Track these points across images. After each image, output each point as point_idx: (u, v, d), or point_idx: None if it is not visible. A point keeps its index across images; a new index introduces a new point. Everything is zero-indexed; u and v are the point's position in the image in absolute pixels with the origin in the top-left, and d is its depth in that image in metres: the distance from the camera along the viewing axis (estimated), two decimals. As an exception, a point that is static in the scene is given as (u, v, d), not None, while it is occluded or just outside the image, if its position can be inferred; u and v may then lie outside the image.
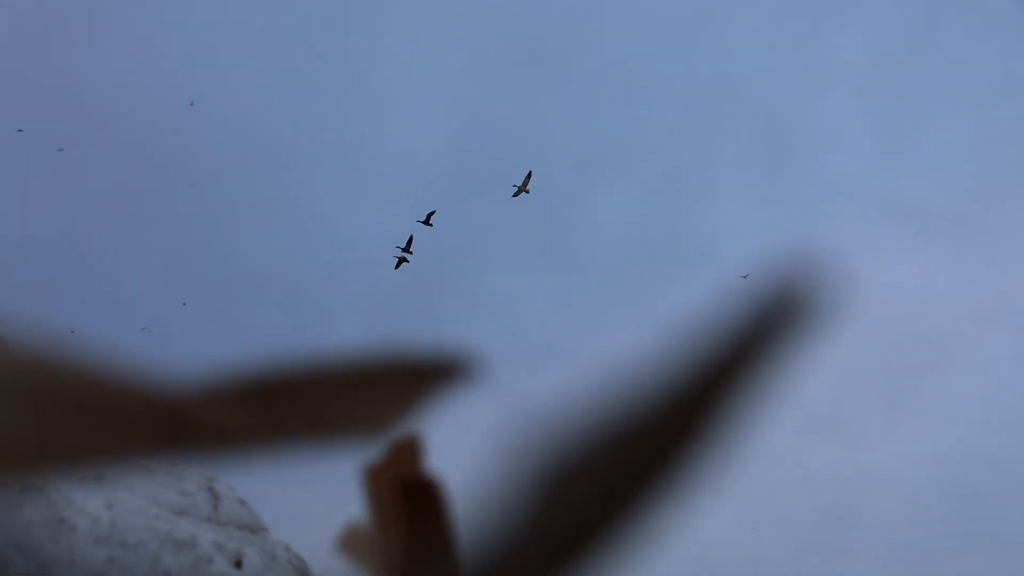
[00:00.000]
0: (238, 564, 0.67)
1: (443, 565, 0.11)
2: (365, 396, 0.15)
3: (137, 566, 0.63)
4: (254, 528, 0.80)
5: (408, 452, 0.23)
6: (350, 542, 0.24)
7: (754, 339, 0.11)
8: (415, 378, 0.15)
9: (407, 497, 0.22)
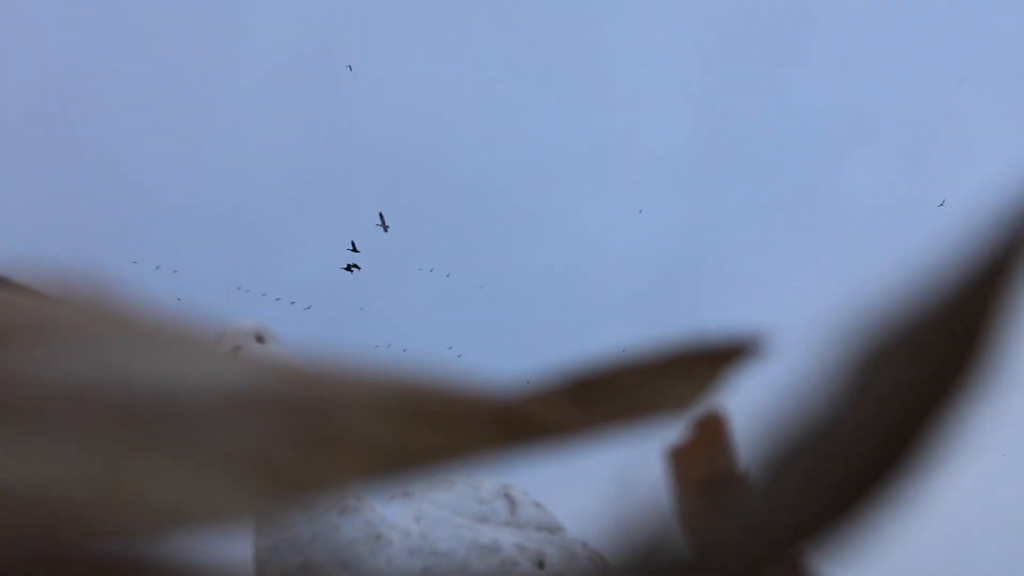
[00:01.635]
0: (540, 564, 0.68)
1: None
2: (672, 379, 0.15)
3: (449, 574, 0.66)
4: (552, 528, 0.81)
5: (714, 430, 0.24)
6: (681, 456, 0.24)
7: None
8: (713, 358, 0.16)
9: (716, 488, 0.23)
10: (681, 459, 0.24)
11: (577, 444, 0.14)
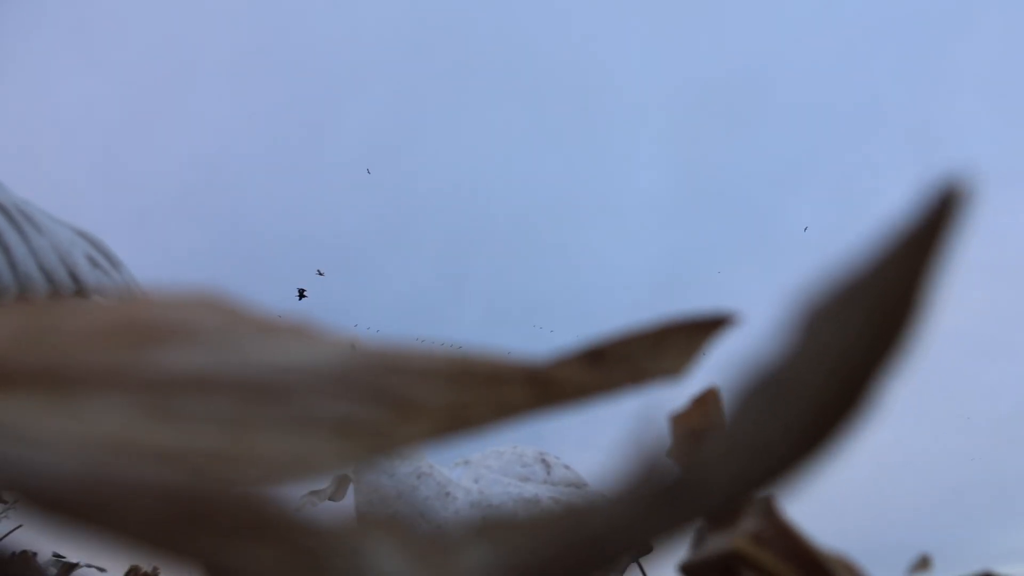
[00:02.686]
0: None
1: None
2: (666, 345, 0.15)
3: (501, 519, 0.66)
4: (578, 484, 0.81)
5: (710, 404, 0.23)
6: (687, 418, 0.23)
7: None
8: (699, 327, 0.15)
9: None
10: (680, 423, 0.23)
11: (592, 404, 0.14)
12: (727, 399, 0.10)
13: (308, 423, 0.11)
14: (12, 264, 0.46)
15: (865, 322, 0.09)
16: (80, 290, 0.48)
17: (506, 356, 0.13)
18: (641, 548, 0.11)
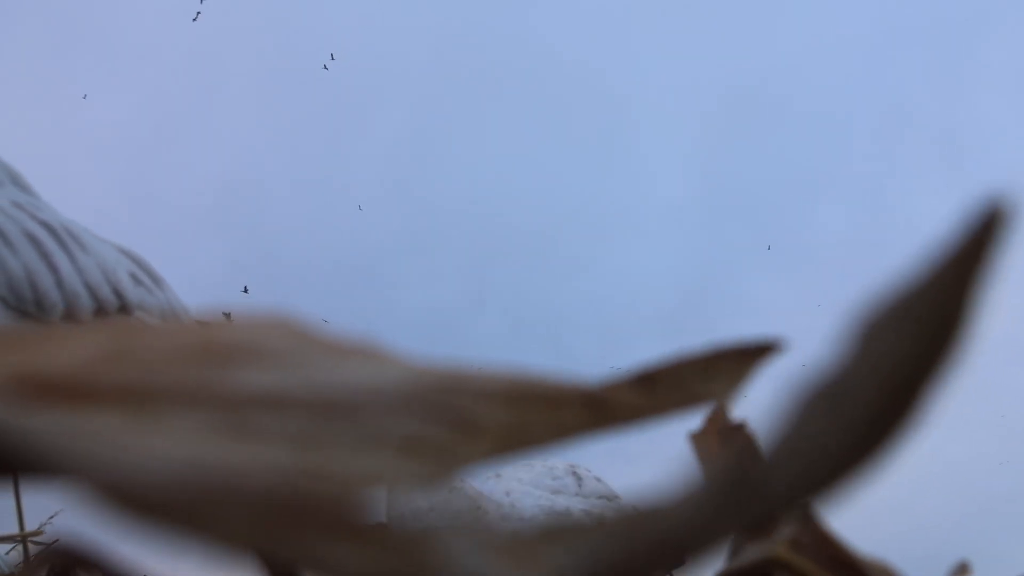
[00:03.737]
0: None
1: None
2: (715, 372, 0.15)
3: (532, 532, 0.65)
4: (610, 497, 0.80)
5: (719, 419, 0.23)
6: (705, 436, 0.24)
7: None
8: (745, 354, 0.16)
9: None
10: (699, 441, 0.23)
11: (645, 427, 0.14)
12: (785, 404, 0.10)
13: (376, 441, 0.12)
14: (59, 282, 0.48)
15: (918, 334, 0.09)
16: (124, 307, 0.49)
17: (563, 378, 0.14)
18: (674, 560, 0.11)
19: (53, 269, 0.45)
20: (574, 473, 0.85)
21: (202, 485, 0.09)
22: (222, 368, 0.12)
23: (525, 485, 0.81)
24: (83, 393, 0.11)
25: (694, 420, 0.25)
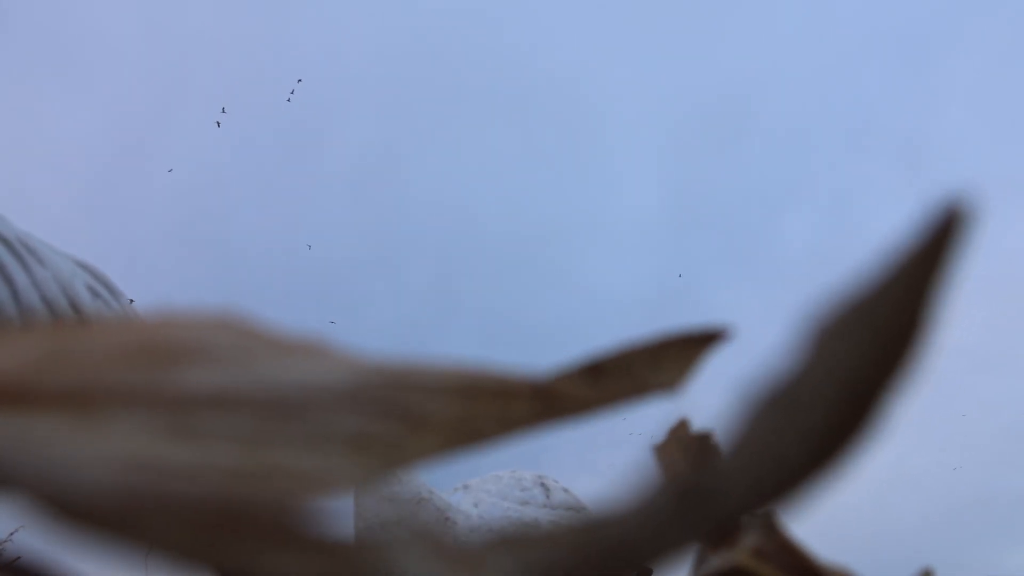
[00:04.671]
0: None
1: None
2: (663, 360, 0.15)
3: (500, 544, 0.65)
4: (577, 508, 0.80)
5: (682, 431, 0.23)
6: (668, 447, 0.23)
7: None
8: (694, 341, 0.15)
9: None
10: (662, 453, 0.23)
11: (594, 417, 0.14)
12: (739, 412, 0.10)
13: (323, 439, 0.11)
14: (15, 295, 0.46)
15: (873, 339, 0.09)
16: (81, 320, 0.48)
17: (511, 370, 0.14)
18: (641, 571, 0.11)
19: (8, 281, 0.44)
20: (542, 484, 0.86)
21: (138, 491, 0.09)
22: (166, 367, 0.11)
23: (493, 496, 0.81)
24: (22, 396, 0.11)
25: (659, 433, 0.24)
